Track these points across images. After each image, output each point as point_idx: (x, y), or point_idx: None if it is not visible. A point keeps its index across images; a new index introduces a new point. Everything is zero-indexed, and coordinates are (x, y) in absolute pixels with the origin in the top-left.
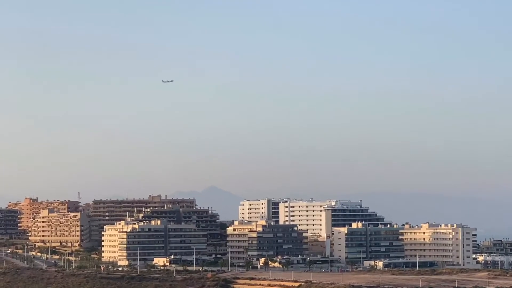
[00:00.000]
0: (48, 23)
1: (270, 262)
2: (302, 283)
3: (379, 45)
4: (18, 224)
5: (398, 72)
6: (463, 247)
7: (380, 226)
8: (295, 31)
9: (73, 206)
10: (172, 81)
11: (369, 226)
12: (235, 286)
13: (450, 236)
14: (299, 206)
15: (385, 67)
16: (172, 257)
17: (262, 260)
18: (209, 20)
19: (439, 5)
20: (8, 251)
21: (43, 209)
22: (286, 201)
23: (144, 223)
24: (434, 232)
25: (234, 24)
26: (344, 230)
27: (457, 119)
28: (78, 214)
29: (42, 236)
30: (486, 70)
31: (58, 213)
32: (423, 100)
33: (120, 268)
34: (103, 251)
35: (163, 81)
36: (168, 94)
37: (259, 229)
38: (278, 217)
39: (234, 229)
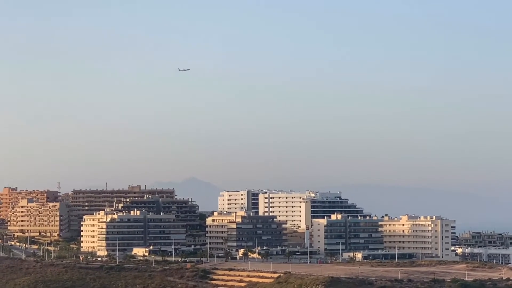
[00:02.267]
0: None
1: (249, 253)
2: (281, 274)
3: (367, 40)
4: None
5: (381, 67)
6: (442, 239)
7: (359, 218)
8: (287, 25)
9: (52, 196)
10: (189, 69)
11: (348, 217)
12: (214, 277)
13: (429, 228)
14: (279, 198)
15: (372, 62)
16: (151, 247)
17: (241, 251)
18: (200, 15)
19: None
20: None
21: (22, 198)
22: (265, 192)
23: (123, 213)
24: (413, 224)
25: (222, 16)
26: (323, 221)
27: (440, 115)
28: (57, 204)
29: (21, 226)
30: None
31: (37, 203)
32: (407, 96)
33: (99, 258)
34: (82, 241)
35: (179, 70)
36: (149, 87)
37: (239, 220)
38: (257, 208)
39: (213, 220)
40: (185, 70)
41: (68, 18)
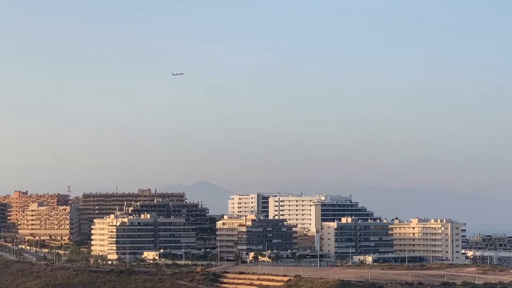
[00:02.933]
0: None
1: (259, 257)
2: (292, 278)
3: (365, 41)
4: (8, 218)
5: (384, 69)
6: (452, 242)
7: (369, 221)
8: (287, 25)
9: (62, 200)
10: (182, 74)
11: (358, 221)
12: (224, 280)
13: (440, 231)
14: (289, 201)
15: (372, 64)
16: (161, 251)
17: (251, 254)
18: (201, 15)
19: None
20: None
21: (32, 202)
22: (275, 196)
23: (133, 216)
24: (423, 227)
25: (223, 18)
26: (333, 224)
27: (447, 116)
28: (68, 207)
29: (32, 229)
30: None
31: (48, 207)
32: (414, 97)
33: (109, 262)
34: (92, 245)
35: (172, 74)
36: (158, 89)
37: (249, 223)
38: (267, 211)
39: (223, 223)
40: (178, 75)
41: (71, 18)
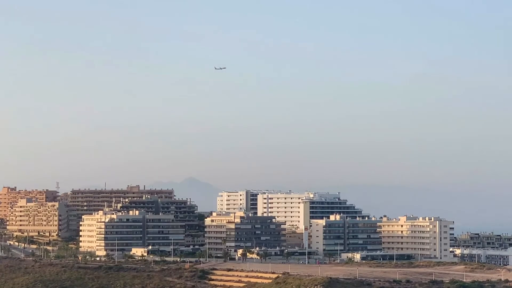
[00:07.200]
0: None
1: (248, 254)
2: (280, 275)
3: (357, 38)
4: None
5: (380, 66)
6: (441, 240)
7: (358, 218)
8: (285, 24)
9: (51, 196)
10: (225, 68)
11: (347, 218)
12: (212, 277)
13: (428, 229)
14: (278, 198)
15: (367, 63)
16: (150, 247)
17: (240, 251)
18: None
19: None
20: None
21: (21, 198)
22: (264, 193)
23: (122, 213)
24: (411, 225)
25: (222, 15)
26: (322, 222)
27: (435, 114)
28: (56, 203)
29: (20, 225)
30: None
31: (36, 203)
32: (404, 96)
33: (98, 258)
34: (81, 241)
35: (215, 68)
36: (148, 85)
37: (237, 220)
38: (256, 208)
39: (212, 220)
40: (221, 69)
41: (74, 18)
